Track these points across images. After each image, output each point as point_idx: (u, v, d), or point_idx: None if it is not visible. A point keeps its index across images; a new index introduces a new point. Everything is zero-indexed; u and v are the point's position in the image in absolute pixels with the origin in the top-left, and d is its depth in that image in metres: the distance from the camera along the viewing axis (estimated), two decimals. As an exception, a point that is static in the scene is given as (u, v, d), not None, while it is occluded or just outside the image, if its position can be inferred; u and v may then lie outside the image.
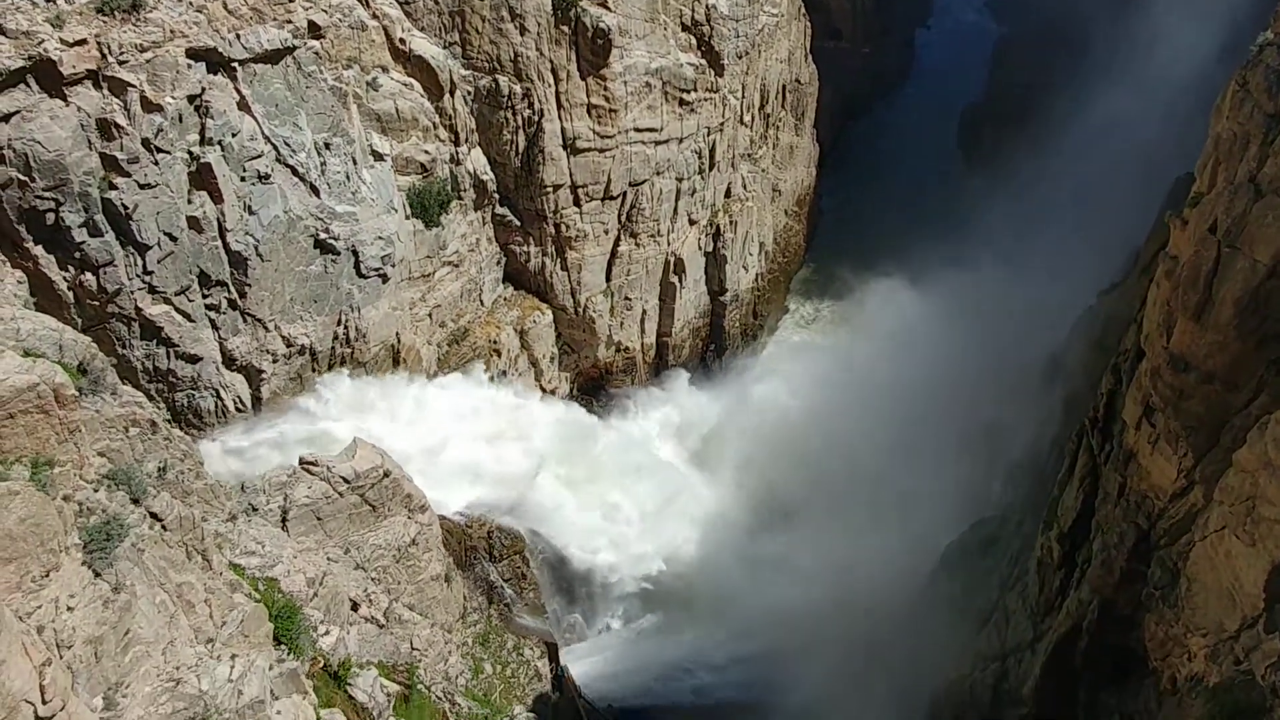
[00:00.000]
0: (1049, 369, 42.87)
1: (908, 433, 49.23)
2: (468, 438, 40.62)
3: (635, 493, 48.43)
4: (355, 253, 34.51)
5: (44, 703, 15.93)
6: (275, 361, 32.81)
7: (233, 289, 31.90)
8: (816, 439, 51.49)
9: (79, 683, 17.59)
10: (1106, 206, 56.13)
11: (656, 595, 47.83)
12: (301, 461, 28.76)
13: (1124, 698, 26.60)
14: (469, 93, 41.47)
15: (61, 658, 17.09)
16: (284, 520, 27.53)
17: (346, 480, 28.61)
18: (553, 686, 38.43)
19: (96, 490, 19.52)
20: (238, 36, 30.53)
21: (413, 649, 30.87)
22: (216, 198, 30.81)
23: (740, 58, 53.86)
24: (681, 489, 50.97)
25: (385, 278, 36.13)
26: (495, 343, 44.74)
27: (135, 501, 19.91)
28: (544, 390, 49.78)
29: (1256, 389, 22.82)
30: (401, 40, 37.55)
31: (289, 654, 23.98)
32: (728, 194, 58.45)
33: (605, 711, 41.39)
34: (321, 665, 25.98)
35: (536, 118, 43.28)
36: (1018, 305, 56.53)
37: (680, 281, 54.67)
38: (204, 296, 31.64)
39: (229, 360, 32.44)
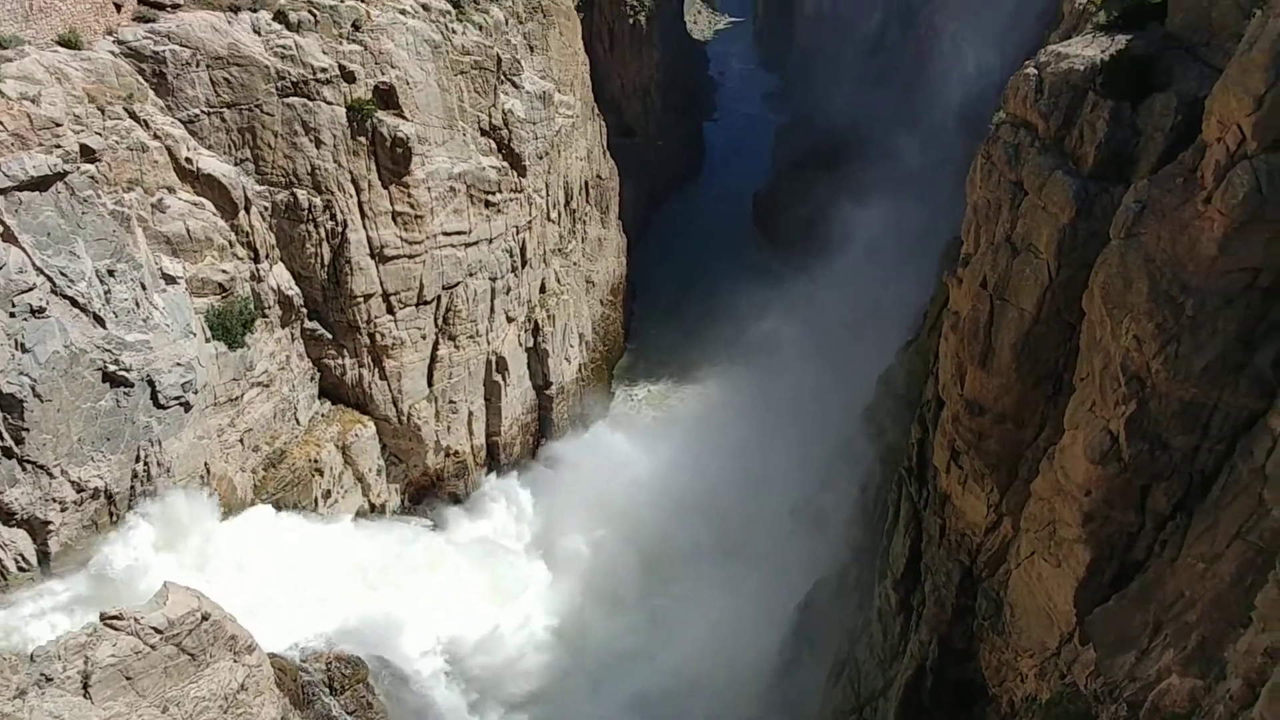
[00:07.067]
0: (863, 426, 45.40)
1: (739, 509, 50.48)
2: (290, 570, 38.10)
3: (475, 600, 46.78)
4: (151, 383, 32.15)
5: None
6: (64, 510, 29.70)
7: (6, 435, 28.72)
8: (653, 524, 51.90)
9: None
10: (894, 272, 61.02)
11: (512, 703, 45.98)
12: (103, 617, 25.92)
13: (971, 729, 27.83)
14: (266, 208, 40.28)
15: None
16: (86, 687, 24.61)
17: (159, 630, 25.94)
18: (410, 822, 35.85)
19: None
20: (-2, 165, 28.42)
21: (249, 807, 28.07)
22: (-16, 337, 28.08)
23: (541, 158, 55.36)
24: (525, 587, 49.79)
25: (188, 406, 33.81)
26: (316, 462, 42.61)
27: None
28: (372, 505, 47.74)
29: (1041, 424, 25.10)
30: (188, 159, 36.11)
31: (103, 837, 21.29)
32: (543, 290, 59.29)
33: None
34: (143, 844, 23.16)
35: (340, 229, 42.52)
36: (825, 372, 59.96)
37: (504, 380, 54.45)
38: (-26, 447, 28.41)
39: (7, 515, 29.00)
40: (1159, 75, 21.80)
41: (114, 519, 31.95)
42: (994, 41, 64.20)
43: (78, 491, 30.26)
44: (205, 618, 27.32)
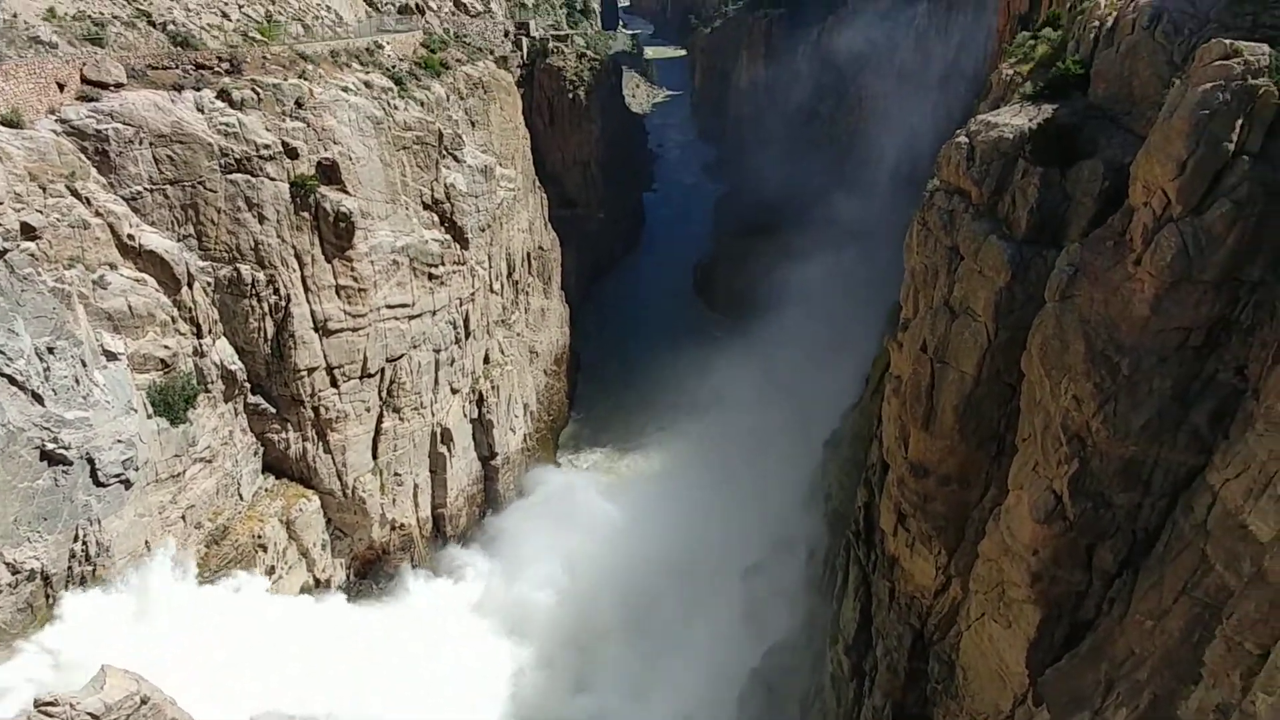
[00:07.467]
0: (810, 490, 45.89)
1: (693, 573, 50.43)
2: (234, 650, 36.84)
3: (427, 681, 45.53)
4: (91, 461, 31.22)
5: None
6: (-3, 595, 28.50)
7: (-63, 520, 27.74)
8: (607, 590, 51.52)
9: None
10: (836, 332, 62.40)
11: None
12: (37, 704, 24.70)
13: (929, 795, 27.72)
14: (209, 283, 39.81)
15: None
16: (16, 783, 23.35)
17: (95, 716, 24.79)
18: None
19: None
20: (-64, 243, 27.84)
21: None
22: (-86, 419, 27.12)
23: (483, 230, 55.81)
24: (479, 667, 48.69)
25: (128, 484, 32.80)
26: (259, 538, 41.41)
27: None
28: (316, 581, 46.39)
29: (986, 484, 25.57)
30: (130, 236, 35.65)
31: None
32: (486, 360, 59.22)
33: None
34: None
35: (283, 303, 42.16)
36: (771, 436, 60.62)
37: (449, 451, 53.92)
38: (-98, 532, 27.20)
39: (-65, 603, 27.80)
40: (1085, 143, 22.90)
41: (51, 599, 30.69)
42: (925, 108, 67.03)
43: (13, 574, 29.07)
44: (144, 701, 26.24)
